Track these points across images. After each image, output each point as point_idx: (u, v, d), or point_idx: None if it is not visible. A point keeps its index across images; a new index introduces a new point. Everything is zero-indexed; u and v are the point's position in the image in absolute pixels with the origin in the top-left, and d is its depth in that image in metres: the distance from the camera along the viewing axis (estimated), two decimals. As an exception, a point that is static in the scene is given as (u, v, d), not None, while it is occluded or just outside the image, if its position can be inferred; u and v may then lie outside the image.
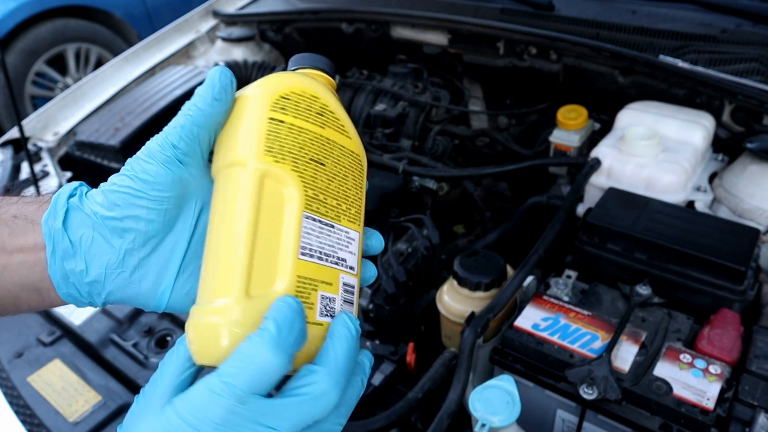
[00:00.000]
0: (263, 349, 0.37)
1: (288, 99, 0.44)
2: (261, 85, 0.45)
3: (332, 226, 0.46)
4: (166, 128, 0.45)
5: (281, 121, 0.44)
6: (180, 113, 0.45)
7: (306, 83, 0.46)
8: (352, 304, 0.47)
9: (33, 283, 0.47)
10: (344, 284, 0.46)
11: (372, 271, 0.51)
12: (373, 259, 1.27)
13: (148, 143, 0.46)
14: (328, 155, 0.45)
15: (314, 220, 0.44)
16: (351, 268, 0.47)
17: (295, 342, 0.38)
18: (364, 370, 0.44)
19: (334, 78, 0.50)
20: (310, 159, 0.44)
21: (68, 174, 1.53)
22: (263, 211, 0.42)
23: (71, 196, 0.46)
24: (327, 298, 0.44)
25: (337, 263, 0.45)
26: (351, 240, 0.47)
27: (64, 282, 0.46)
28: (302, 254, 0.43)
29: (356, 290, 0.47)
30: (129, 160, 0.46)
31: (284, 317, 0.38)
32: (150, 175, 0.44)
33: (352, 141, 0.48)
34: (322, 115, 0.46)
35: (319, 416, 0.39)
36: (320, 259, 0.44)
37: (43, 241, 0.46)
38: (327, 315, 0.44)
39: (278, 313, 0.39)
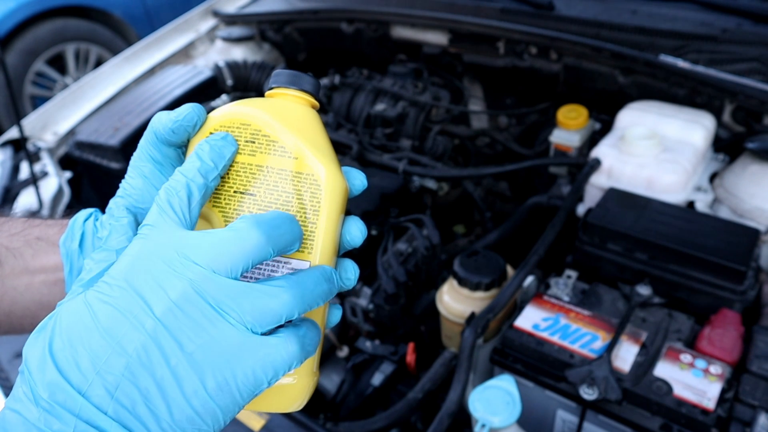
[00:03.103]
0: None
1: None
2: (201, 128, 0.45)
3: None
4: (140, 142, 0.45)
5: None
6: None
7: (237, 112, 0.44)
8: None
9: (52, 302, 0.49)
10: None
11: (334, 315, 0.47)
12: (371, 258, 1.28)
13: (131, 160, 0.45)
14: (259, 183, 0.43)
15: None
16: None
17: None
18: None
19: (311, 90, 0.47)
20: (234, 191, 0.43)
21: (68, 174, 1.53)
22: None
23: (86, 219, 0.48)
24: None
25: None
26: (292, 270, 0.43)
27: None
28: None
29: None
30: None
31: None
32: (136, 189, 0.44)
33: (299, 162, 0.44)
34: (253, 142, 0.44)
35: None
36: None
37: (62, 261, 0.48)
38: None
39: None
